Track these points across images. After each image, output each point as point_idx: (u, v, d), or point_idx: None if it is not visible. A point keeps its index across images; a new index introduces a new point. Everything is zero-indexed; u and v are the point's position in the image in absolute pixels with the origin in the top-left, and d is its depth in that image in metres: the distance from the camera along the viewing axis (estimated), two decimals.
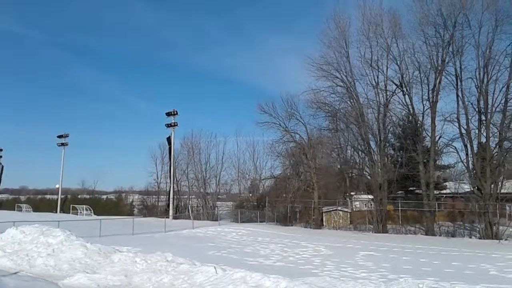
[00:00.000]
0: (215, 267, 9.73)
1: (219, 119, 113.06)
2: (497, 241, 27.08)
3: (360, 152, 39.11)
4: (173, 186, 47.76)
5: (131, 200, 63.17)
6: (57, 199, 60.52)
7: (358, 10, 36.35)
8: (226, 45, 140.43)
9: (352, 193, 42.76)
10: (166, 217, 37.53)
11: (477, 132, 31.55)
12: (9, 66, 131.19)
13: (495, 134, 31.02)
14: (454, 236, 30.71)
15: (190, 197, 54.41)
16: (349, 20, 36.67)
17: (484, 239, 28.69)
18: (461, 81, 31.87)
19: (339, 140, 41.44)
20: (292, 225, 37.59)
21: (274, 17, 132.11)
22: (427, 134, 34.54)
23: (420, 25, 32.99)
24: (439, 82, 32.79)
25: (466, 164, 32.60)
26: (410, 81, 34.20)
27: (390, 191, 34.50)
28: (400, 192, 38.49)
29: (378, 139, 35.22)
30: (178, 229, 30.74)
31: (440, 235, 31.00)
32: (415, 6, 33.72)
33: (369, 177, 36.80)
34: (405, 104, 34.75)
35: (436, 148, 33.85)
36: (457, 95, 31.96)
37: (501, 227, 29.15)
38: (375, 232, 32.33)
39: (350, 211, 38.29)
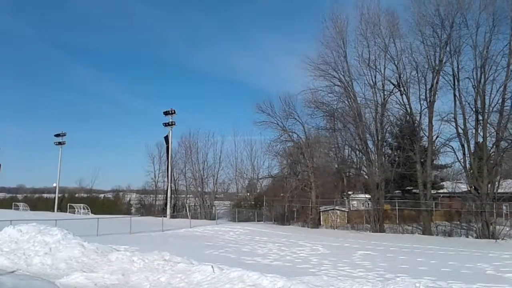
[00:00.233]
0: (212, 266, 9.73)
1: (216, 118, 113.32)
2: (494, 240, 27.19)
3: (357, 152, 39.23)
4: (171, 185, 47.74)
5: (128, 199, 63.11)
6: (55, 198, 60.42)
7: (356, 10, 36.55)
8: (224, 44, 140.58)
9: (349, 193, 42.79)
10: (164, 216, 37.49)
11: (474, 132, 31.66)
12: (6, 64, 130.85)
13: (492, 134, 31.17)
14: (451, 235, 30.77)
15: (188, 196, 54.48)
16: (347, 19, 36.82)
17: (481, 238, 28.77)
18: (458, 81, 32.02)
19: (337, 140, 41.59)
20: (289, 225, 37.62)
21: (272, 16, 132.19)
22: (424, 134, 34.68)
23: (418, 25, 33.14)
24: (437, 82, 32.92)
25: (463, 164, 32.79)
26: (408, 81, 34.34)
27: (387, 191, 34.59)
28: (398, 191, 38.60)
29: (376, 139, 35.28)
30: (175, 228, 30.73)
31: (437, 235, 31.08)
32: (412, 6, 33.90)
33: (366, 176, 36.87)
34: (403, 103, 34.89)
35: (433, 147, 33.95)
36: (455, 95, 32.10)
37: (497, 227, 29.25)
38: (372, 232, 32.39)
39: (347, 210, 38.34)
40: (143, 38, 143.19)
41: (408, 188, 38.56)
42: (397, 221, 34.06)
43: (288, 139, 40.67)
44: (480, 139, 31.47)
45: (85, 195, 66.96)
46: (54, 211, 55.68)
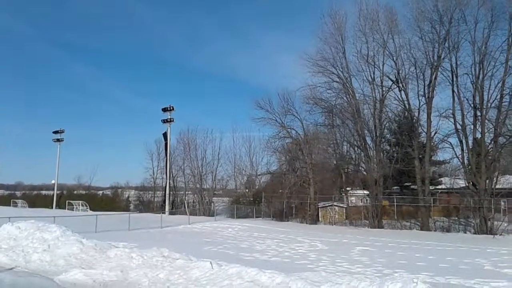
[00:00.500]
0: (211, 262, 9.73)
1: (215, 115, 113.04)
2: (492, 236, 27.29)
3: (356, 148, 39.29)
4: (169, 182, 47.76)
5: (127, 195, 63.16)
6: (53, 194, 60.35)
7: (354, 6, 36.56)
8: (222, 41, 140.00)
9: (348, 189, 42.88)
10: (162, 213, 37.53)
11: (472, 128, 31.76)
12: (5, 63, 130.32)
13: (490, 130, 31.23)
14: (449, 231, 30.88)
15: (186, 192, 54.56)
16: (346, 15, 36.81)
17: (479, 234, 28.87)
18: (456, 77, 32.04)
19: (335, 136, 41.60)
20: (288, 221, 37.66)
21: (270, 13, 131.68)
22: (423, 130, 34.75)
23: (416, 21, 33.13)
24: (435, 78, 32.92)
25: (461, 160, 32.83)
26: (406, 77, 34.38)
27: (385, 187, 34.67)
28: (396, 187, 38.68)
29: (374, 135, 35.32)
30: (174, 224, 30.75)
31: (435, 230, 31.19)
32: (411, 2, 33.93)
33: (364, 172, 36.93)
34: (401, 99, 34.94)
35: (432, 143, 34.01)
36: (453, 91, 32.17)
37: (495, 222, 29.31)
38: (370, 227, 32.46)
39: (346, 206, 38.43)
40: (143, 37, 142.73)
41: (406, 184, 38.64)
42: (396, 217, 34.14)
43: (287, 136, 40.68)
44: (478, 135, 31.55)
45: (84, 192, 66.97)
46: (52, 208, 55.65)
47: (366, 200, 36.70)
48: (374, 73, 35.42)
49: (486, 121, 30.99)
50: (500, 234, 27.88)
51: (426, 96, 33.20)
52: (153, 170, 56.43)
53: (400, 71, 34.40)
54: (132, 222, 27.48)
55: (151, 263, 10.45)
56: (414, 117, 34.97)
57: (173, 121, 46.51)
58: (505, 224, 29.41)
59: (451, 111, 32.01)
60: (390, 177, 34.53)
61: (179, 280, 9.24)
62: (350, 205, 39.43)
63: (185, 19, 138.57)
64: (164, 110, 46.40)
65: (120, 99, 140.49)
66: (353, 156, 42.04)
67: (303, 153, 39.15)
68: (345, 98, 37.23)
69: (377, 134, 35.25)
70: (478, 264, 15.68)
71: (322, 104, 38.14)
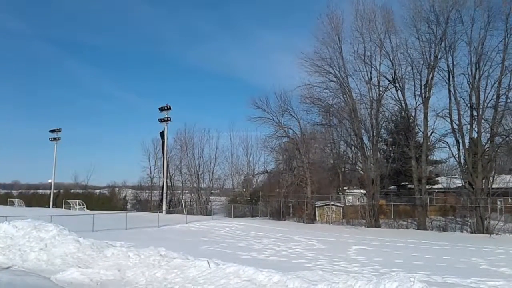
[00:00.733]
0: (208, 262, 9.73)
1: (212, 115, 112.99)
2: (488, 235, 27.40)
3: (353, 147, 39.32)
4: (167, 181, 47.68)
5: (124, 195, 62.88)
6: (50, 194, 60.17)
7: (351, 6, 36.56)
8: (220, 40, 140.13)
9: (345, 188, 42.93)
10: (160, 212, 37.55)
11: (469, 128, 31.85)
12: (2, 61, 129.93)
13: (487, 130, 31.33)
14: (446, 230, 30.99)
15: (184, 192, 54.44)
16: (343, 15, 36.81)
17: (475, 233, 29.01)
18: (453, 77, 32.12)
19: (332, 135, 41.62)
20: (285, 220, 37.71)
21: (268, 12, 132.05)
22: (420, 130, 34.78)
23: (413, 21, 33.19)
24: (432, 78, 33.02)
25: (458, 159, 32.94)
26: (403, 76, 34.44)
27: (382, 186, 34.72)
28: (393, 187, 38.78)
29: (371, 134, 35.39)
30: (171, 223, 30.77)
31: (432, 230, 31.28)
32: (408, 2, 34.00)
33: (361, 172, 36.99)
34: (398, 99, 34.99)
35: (428, 143, 34.08)
36: (449, 91, 32.24)
37: (492, 222, 29.49)
38: (367, 227, 32.53)
39: (343, 205, 38.48)
40: (140, 35, 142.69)
41: (403, 183, 38.75)
42: (392, 216, 34.23)
43: (284, 135, 40.67)
44: (475, 135, 31.68)
45: (81, 191, 66.76)
46: (49, 207, 55.51)
47: (363, 199, 36.76)
48: (371, 72, 35.54)
49: (483, 121, 31.09)
50: (497, 233, 28.03)
51: (423, 96, 33.28)
52: (150, 169, 56.31)
53: (397, 71, 34.52)
54: (129, 221, 27.47)
55: (148, 262, 10.44)
56: (411, 117, 35.06)
57: (170, 120, 46.47)
58: (502, 224, 29.57)
59: (447, 111, 32.12)
60: (387, 177, 34.58)
61: (176, 279, 9.23)
62: (347, 204, 39.50)
63: (183, 18, 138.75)
64: (161, 109, 46.31)
65: (117, 97, 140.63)
66: (350, 156, 42.07)
67: (300, 152, 39.16)
68: (342, 97, 37.28)
69: (374, 134, 35.31)
70: (474, 263, 15.76)
71: (319, 104, 38.16)
